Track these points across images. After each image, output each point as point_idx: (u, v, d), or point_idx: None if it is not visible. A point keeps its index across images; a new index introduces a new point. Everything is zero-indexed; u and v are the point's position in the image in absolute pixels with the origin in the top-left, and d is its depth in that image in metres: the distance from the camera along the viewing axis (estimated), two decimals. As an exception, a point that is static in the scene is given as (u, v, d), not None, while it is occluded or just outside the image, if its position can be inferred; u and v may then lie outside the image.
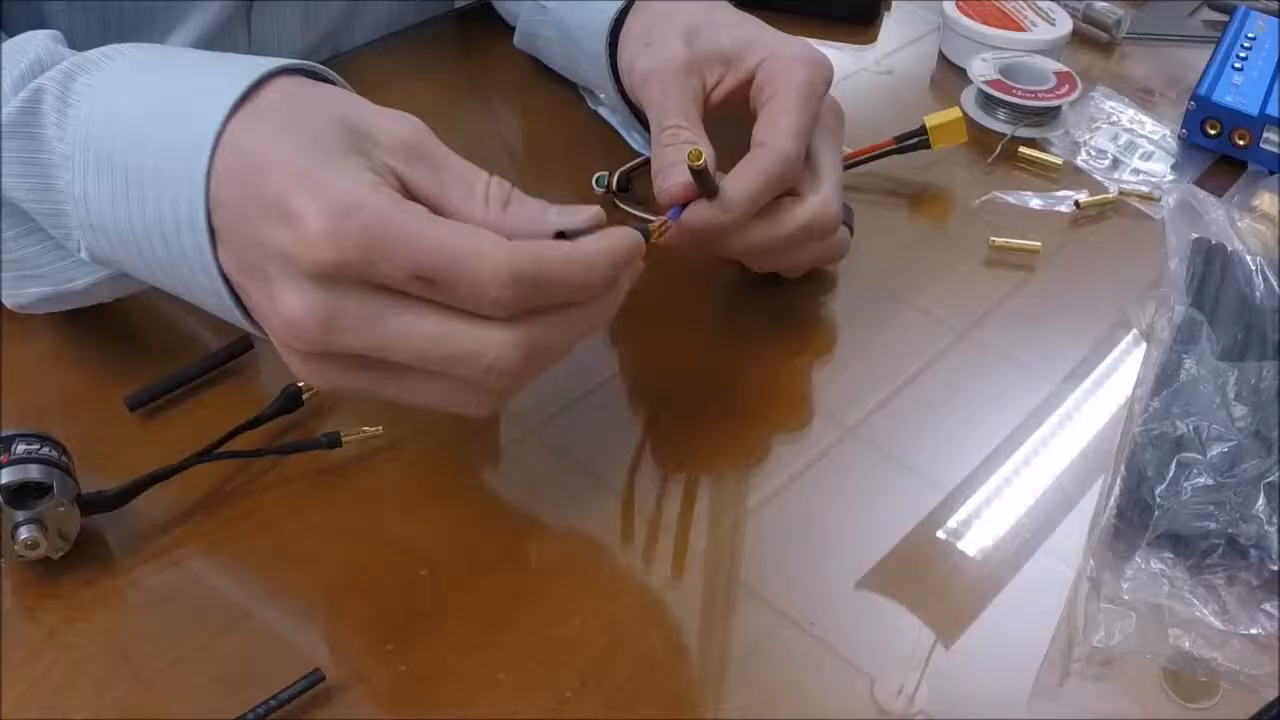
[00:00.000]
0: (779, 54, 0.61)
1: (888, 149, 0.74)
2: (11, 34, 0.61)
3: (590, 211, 0.47)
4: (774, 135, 0.58)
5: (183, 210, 0.46)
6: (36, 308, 0.56)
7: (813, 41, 0.63)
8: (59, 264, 0.53)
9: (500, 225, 0.45)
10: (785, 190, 0.59)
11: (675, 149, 0.57)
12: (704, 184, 0.54)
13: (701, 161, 0.52)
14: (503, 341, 0.43)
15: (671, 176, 0.55)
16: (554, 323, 0.45)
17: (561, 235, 0.46)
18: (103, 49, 0.51)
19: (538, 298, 0.44)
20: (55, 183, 0.49)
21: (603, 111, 0.77)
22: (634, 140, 0.74)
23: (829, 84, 0.61)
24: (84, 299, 0.55)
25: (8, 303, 0.56)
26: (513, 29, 0.81)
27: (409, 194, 0.45)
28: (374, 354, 0.44)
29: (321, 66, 0.50)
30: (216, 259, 0.46)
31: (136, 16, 0.69)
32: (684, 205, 0.55)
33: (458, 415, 0.47)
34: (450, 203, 0.45)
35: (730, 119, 0.62)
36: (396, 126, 0.46)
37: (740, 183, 0.56)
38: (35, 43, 0.51)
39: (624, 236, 0.47)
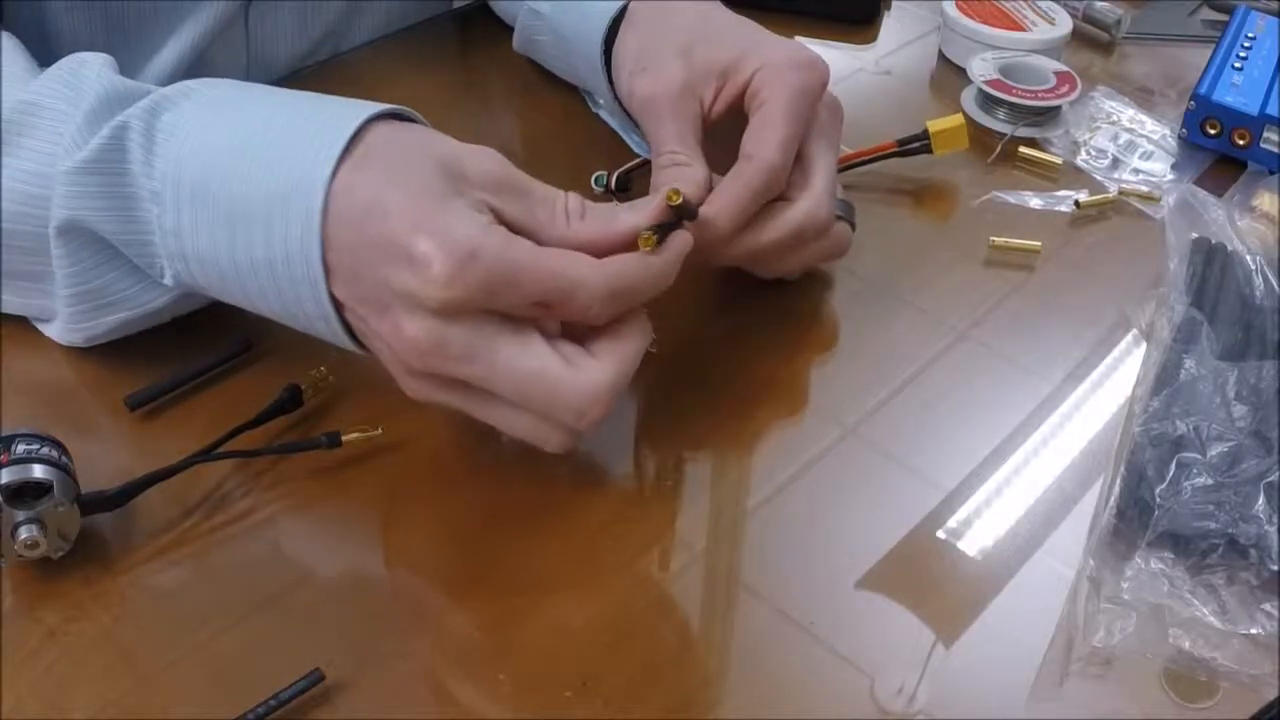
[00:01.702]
0: (773, 60, 0.61)
1: (889, 152, 0.74)
2: (13, 33, 0.61)
3: (654, 202, 0.52)
4: (759, 148, 0.58)
5: (295, 248, 0.49)
6: (105, 338, 0.57)
7: (813, 42, 0.63)
8: (137, 287, 0.55)
9: (580, 236, 0.50)
10: (774, 197, 0.59)
11: (673, 171, 0.58)
12: (683, 215, 0.54)
13: (679, 200, 0.53)
14: (592, 382, 0.49)
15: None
16: (627, 351, 0.51)
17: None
18: (174, 87, 0.54)
19: (624, 306, 0.50)
20: (142, 215, 0.52)
21: (602, 114, 0.77)
22: (633, 142, 0.74)
23: (824, 87, 0.61)
24: (156, 320, 0.57)
25: (76, 340, 0.57)
26: (512, 30, 0.81)
27: (502, 223, 0.49)
28: (478, 383, 0.49)
29: (406, 108, 0.53)
30: (329, 291, 0.49)
31: (139, 16, 0.69)
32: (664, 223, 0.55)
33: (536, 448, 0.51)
34: (539, 226, 0.50)
35: (728, 128, 0.62)
36: (484, 163, 0.50)
37: (725, 197, 0.57)
38: (97, 72, 0.54)
39: (683, 240, 0.52)
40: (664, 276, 0.51)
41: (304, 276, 0.49)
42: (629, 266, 0.50)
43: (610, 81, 0.67)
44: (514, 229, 0.49)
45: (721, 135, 0.61)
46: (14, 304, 0.58)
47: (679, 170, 0.58)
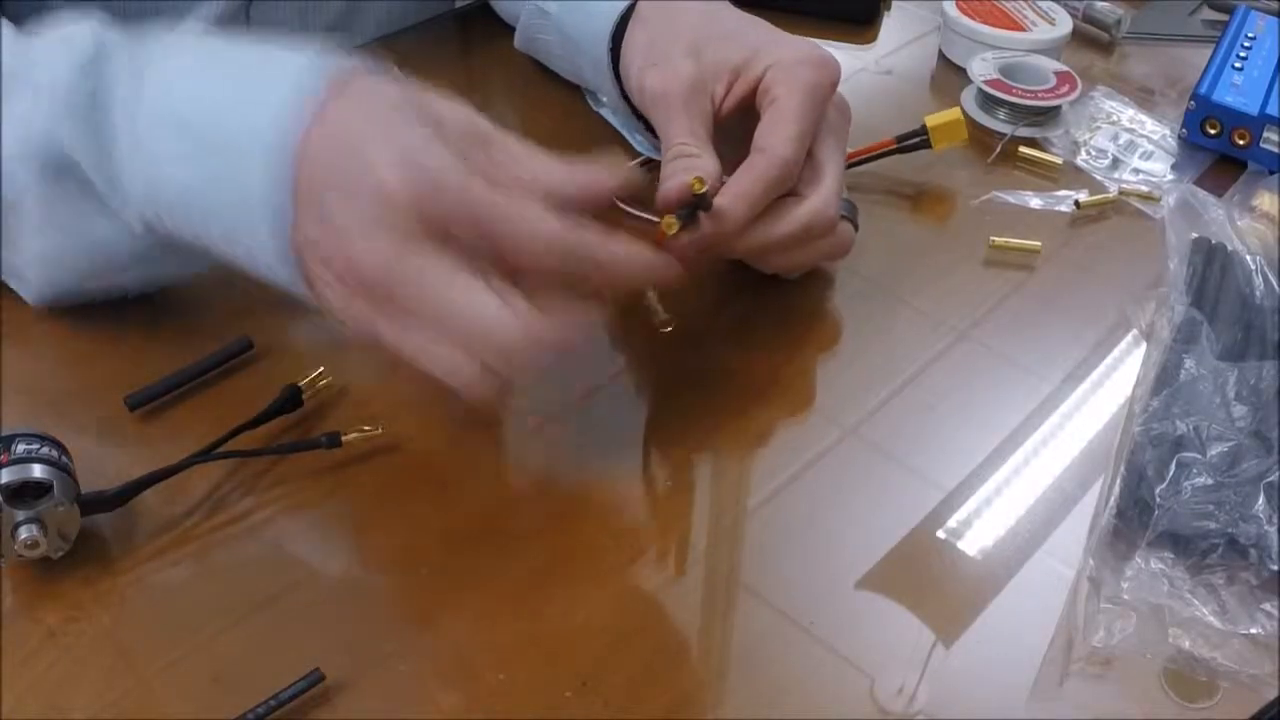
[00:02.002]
0: (785, 58, 0.61)
1: (888, 149, 0.74)
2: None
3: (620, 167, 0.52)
4: (772, 141, 0.58)
5: (255, 158, 0.49)
6: (66, 295, 0.57)
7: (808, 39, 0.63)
8: (105, 228, 0.54)
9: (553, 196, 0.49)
10: (785, 192, 0.59)
11: (683, 162, 0.58)
12: (700, 206, 0.55)
13: (704, 189, 0.53)
14: (526, 330, 0.47)
15: (675, 178, 0.56)
16: (576, 315, 0.49)
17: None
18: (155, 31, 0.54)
19: (587, 263, 0.49)
20: (115, 140, 0.52)
21: (604, 113, 0.77)
22: (636, 141, 0.74)
23: (835, 85, 0.61)
24: (115, 273, 0.57)
25: (37, 296, 0.58)
26: (513, 29, 0.81)
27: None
28: (413, 307, 0.47)
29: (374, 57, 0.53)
30: (293, 195, 0.49)
31: (140, 14, 0.69)
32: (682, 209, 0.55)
33: (455, 393, 0.49)
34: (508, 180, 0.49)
35: (738, 126, 0.62)
36: (460, 114, 0.50)
37: (738, 189, 0.57)
38: (91, 31, 0.54)
39: (667, 262, 0.52)
40: (619, 262, 0.50)
41: (259, 187, 0.49)
42: (589, 231, 0.49)
43: (617, 79, 0.67)
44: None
45: (731, 133, 0.61)
46: None
47: (690, 162, 0.58)
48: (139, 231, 0.54)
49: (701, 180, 0.53)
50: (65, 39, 0.54)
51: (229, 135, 0.50)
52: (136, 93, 0.52)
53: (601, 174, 0.51)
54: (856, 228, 0.65)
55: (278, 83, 0.50)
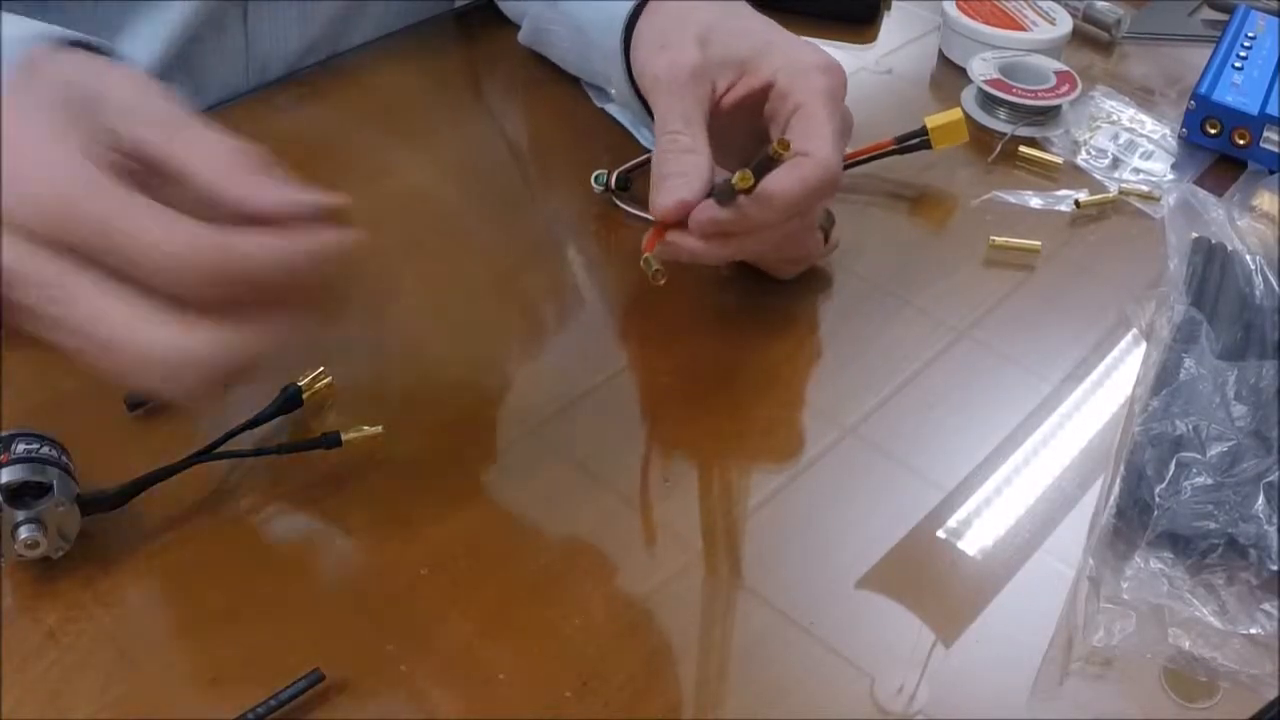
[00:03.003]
0: (798, 61, 0.61)
1: (888, 149, 0.74)
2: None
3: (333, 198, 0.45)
4: (817, 144, 0.57)
5: None
6: None
7: (813, 42, 0.63)
8: None
9: (235, 187, 0.43)
10: (822, 198, 0.59)
11: (673, 156, 0.57)
12: (724, 200, 0.54)
13: (750, 183, 0.52)
14: (172, 338, 0.42)
15: (669, 193, 0.55)
16: (240, 333, 0.43)
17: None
18: None
19: (238, 285, 0.42)
20: None
21: (610, 109, 0.77)
22: (643, 137, 0.74)
23: (846, 89, 0.61)
24: None
25: None
26: (514, 27, 0.81)
27: (132, 154, 0.43)
28: (57, 316, 0.42)
29: (93, 39, 0.48)
30: None
31: (137, 15, 0.69)
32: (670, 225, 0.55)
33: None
34: (178, 159, 0.43)
35: (738, 123, 0.62)
36: (124, 89, 0.45)
37: (783, 184, 0.56)
38: None
39: (324, 239, 0.44)
40: (286, 268, 0.43)
41: None
42: (247, 242, 0.42)
43: (628, 70, 0.67)
44: (154, 162, 0.44)
45: (728, 127, 0.61)
46: None
47: (682, 157, 0.57)
48: None
49: (748, 175, 0.52)
50: None
51: None
52: None
53: (261, 192, 0.44)
54: (827, 238, 0.64)
55: None
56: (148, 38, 0.69)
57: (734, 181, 0.52)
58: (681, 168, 0.56)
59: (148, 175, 0.43)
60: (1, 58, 0.46)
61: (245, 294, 0.42)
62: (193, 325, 0.42)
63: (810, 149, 0.58)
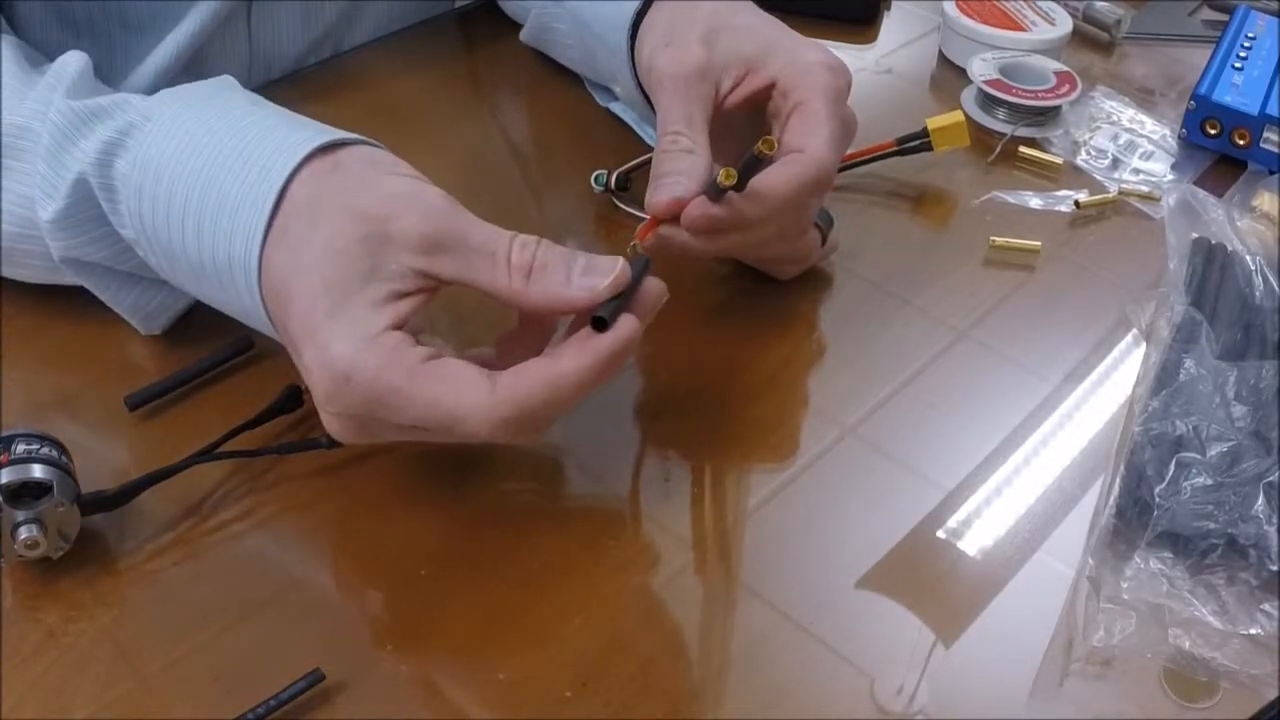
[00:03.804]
0: (802, 60, 0.60)
1: (889, 150, 0.74)
2: (20, 21, 0.62)
3: (612, 275, 0.48)
4: (812, 142, 0.58)
5: (249, 308, 0.51)
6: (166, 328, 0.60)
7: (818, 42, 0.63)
8: (161, 297, 0.58)
9: (524, 298, 0.48)
10: (819, 194, 0.59)
11: (672, 156, 0.57)
12: (716, 197, 0.55)
13: (733, 181, 0.52)
14: (505, 441, 0.48)
15: (664, 190, 0.55)
16: (550, 417, 0.49)
17: (600, 320, 0.48)
18: (121, 118, 0.54)
19: (526, 423, 0.47)
20: (134, 252, 0.55)
21: (615, 107, 0.77)
22: (647, 135, 0.74)
23: (849, 89, 0.61)
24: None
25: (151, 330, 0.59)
26: (516, 26, 0.81)
27: (439, 281, 0.48)
28: (379, 437, 0.50)
29: (345, 135, 0.51)
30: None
31: (137, 14, 0.69)
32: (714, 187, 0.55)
33: None
34: (478, 282, 0.48)
35: (743, 121, 0.62)
36: (414, 222, 0.47)
37: (775, 180, 0.56)
38: (62, 95, 0.55)
39: (615, 342, 0.48)
40: (577, 391, 0.47)
41: (266, 327, 0.51)
42: (531, 391, 0.46)
43: (634, 69, 0.67)
44: (453, 283, 0.48)
45: (733, 126, 0.61)
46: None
47: (682, 157, 0.57)
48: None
49: (733, 172, 0.52)
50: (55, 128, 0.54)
51: (212, 265, 0.51)
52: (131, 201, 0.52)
53: (586, 283, 0.48)
54: (825, 239, 0.64)
55: (240, 208, 0.49)
56: (166, 42, 0.70)
57: (719, 180, 0.52)
58: (679, 167, 0.56)
59: (441, 285, 0.49)
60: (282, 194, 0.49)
61: (536, 421, 0.48)
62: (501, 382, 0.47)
63: (805, 146, 0.58)
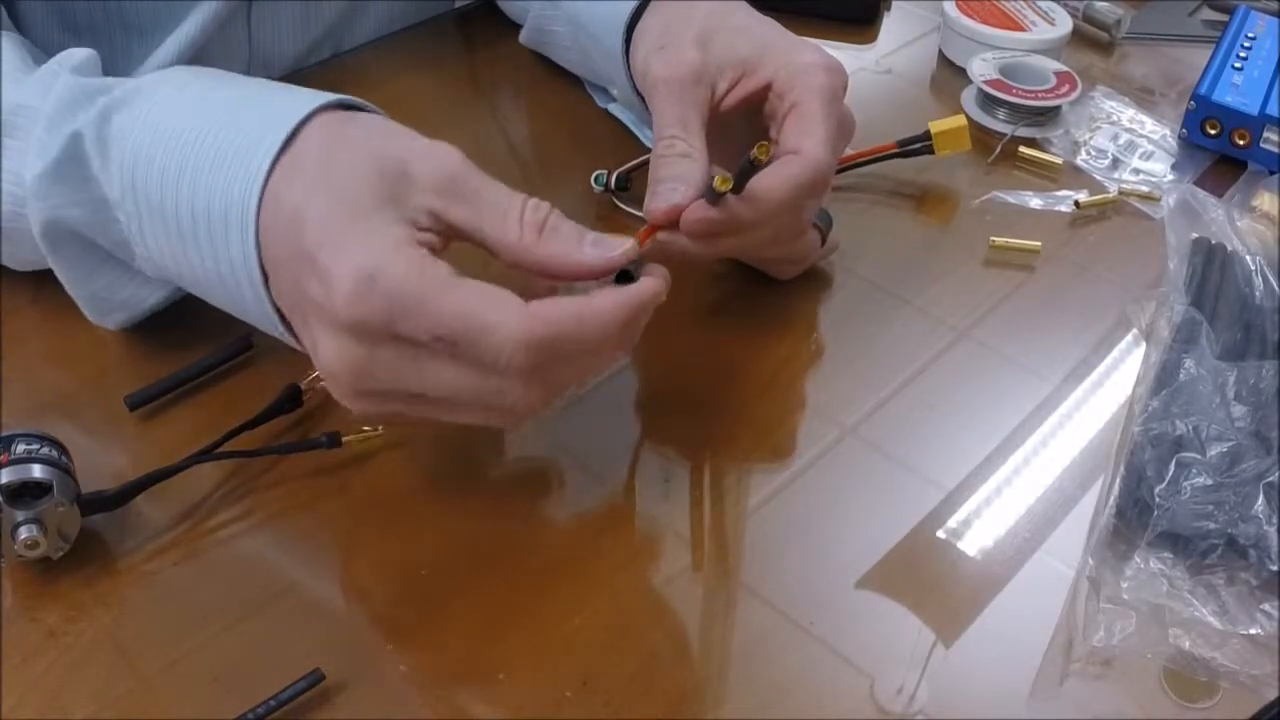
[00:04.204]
0: (797, 61, 0.60)
1: (890, 153, 0.74)
2: (27, 18, 0.62)
3: (624, 246, 0.49)
4: (809, 143, 0.57)
5: (238, 262, 0.49)
6: (120, 326, 0.59)
7: (813, 42, 0.63)
8: (130, 289, 0.56)
9: (532, 253, 0.47)
10: (816, 197, 0.59)
11: (669, 161, 0.57)
12: (714, 200, 0.55)
13: (729, 187, 0.52)
14: (523, 391, 0.46)
15: (661, 197, 0.55)
16: (570, 369, 0.48)
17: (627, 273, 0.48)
18: (126, 85, 0.54)
19: (552, 356, 0.46)
20: (115, 218, 0.53)
21: (613, 109, 0.77)
22: (645, 137, 0.74)
23: (846, 89, 0.61)
24: (162, 307, 0.58)
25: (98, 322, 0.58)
26: (515, 27, 0.81)
27: (449, 229, 0.47)
28: (406, 394, 0.47)
29: (359, 99, 0.51)
30: (273, 301, 0.49)
31: (139, 15, 0.69)
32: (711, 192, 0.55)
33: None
34: (487, 234, 0.48)
35: (741, 123, 0.62)
36: (432, 165, 0.47)
37: (772, 183, 0.56)
38: (70, 72, 0.54)
39: (643, 292, 0.48)
40: (604, 330, 0.47)
41: (248, 289, 0.50)
42: (562, 317, 0.46)
43: (629, 71, 0.67)
44: (463, 235, 0.48)
45: (730, 128, 0.61)
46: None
47: (679, 162, 0.57)
48: (159, 281, 0.56)
49: (728, 179, 0.52)
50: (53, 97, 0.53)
51: (205, 217, 0.49)
52: (123, 164, 0.52)
53: (594, 254, 0.48)
54: (824, 240, 0.64)
55: (242, 153, 0.49)
56: (167, 43, 0.70)
57: (714, 185, 0.52)
58: (676, 173, 0.56)
59: (450, 237, 0.48)
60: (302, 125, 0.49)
61: (561, 355, 0.46)
62: (532, 379, 0.46)
63: (801, 147, 0.57)
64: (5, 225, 0.56)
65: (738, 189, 0.54)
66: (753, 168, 0.52)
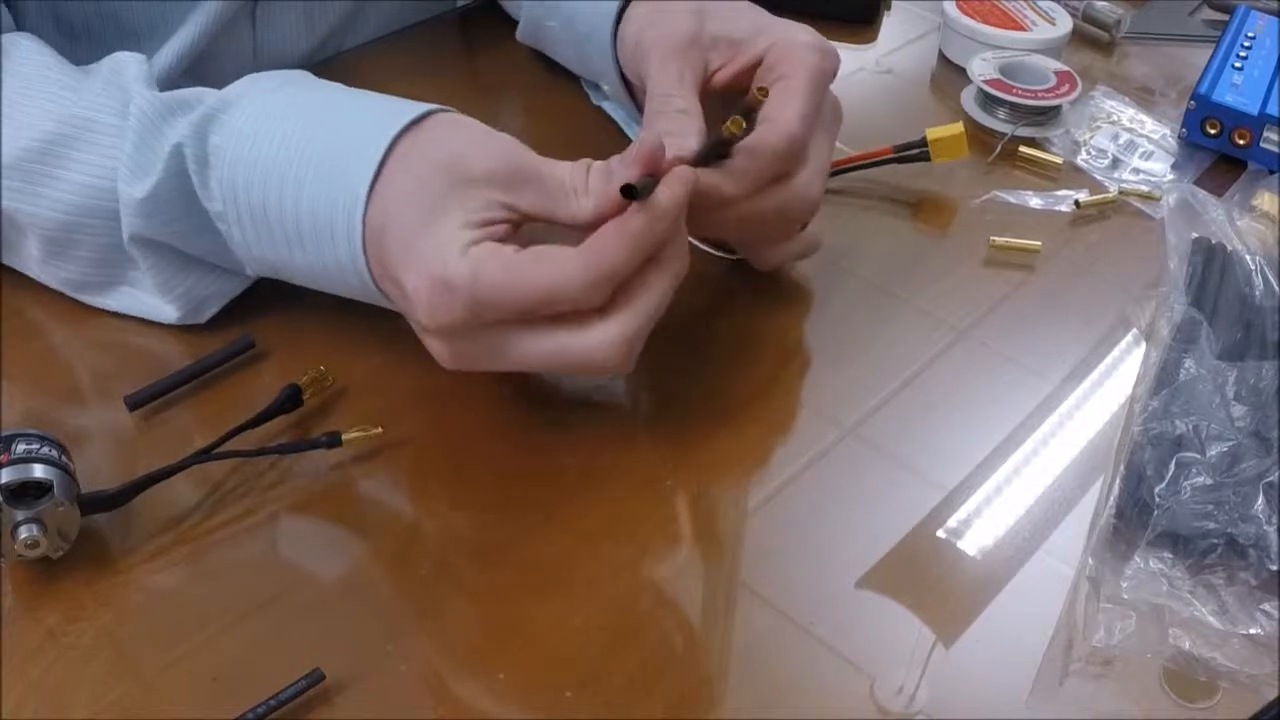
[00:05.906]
0: (789, 39, 0.61)
1: (886, 158, 0.74)
2: (27, 20, 0.62)
3: (635, 156, 0.51)
4: (783, 114, 0.57)
5: (345, 261, 0.53)
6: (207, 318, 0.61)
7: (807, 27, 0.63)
8: (223, 280, 0.60)
9: (588, 212, 0.51)
10: (787, 169, 0.58)
11: (668, 116, 0.57)
12: (717, 154, 0.54)
13: (741, 129, 0.53)
14: (608, 341, 0.50)
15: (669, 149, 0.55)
16: (642, 299, 0.51)
17: (630, 189, 0.50)
18: (218, 96, 0.56)
19: (614, 282, 0.50)
20: (214, 231, 0.56)
21: (606, 106, 0.77)
22: (634, 134, 0.74)
23: (835, 73, 0.61)
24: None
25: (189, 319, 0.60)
26: (516, 25, 0.81)
27: (522, 216, 0.52)
28: (508, 360, 0.52)
29: (435, 105, 0.55)
30: (382, 292, 0.54)
31: (135, 19, 0.69)
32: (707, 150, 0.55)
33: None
34: (554, 210, 0.52)
35: (730, 104, 0.61)
36: (489, 160, 0.51)
37: (744, 157, 0.56)
38: (141, 85, 0.57)
39: (670, 184, 0.51)
40: (649, 232, 0.50)
41: (354, 279, 0.53)
42: (606, 245, 0.50)
43: (619, 67, 0.67)
44: (534, 217, 0.52)
45: (719, 108, 0.61)
46: (126, 306, 0.60)
47: (677, 117, 0.57)
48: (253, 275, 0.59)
49: (739, 122, 0.52)
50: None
51: (311, 226, 0.53)
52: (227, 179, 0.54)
53: (622, 175, 0.51)
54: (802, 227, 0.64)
55: (347, 167, 0.52)
56: (171, 42, 0.70)
57: (727, 126, 0.52)
58: (675, 127, 0.56)
59: (522, 221, 0.52)
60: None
61: (629, 270, 0.50)
62: (612, 311, 0.51)
63: (776, 118, 0.57)
64: (58, 234, 0.57)
65: (708, 160, 0.54)
66: (724, 143, 0.52)
